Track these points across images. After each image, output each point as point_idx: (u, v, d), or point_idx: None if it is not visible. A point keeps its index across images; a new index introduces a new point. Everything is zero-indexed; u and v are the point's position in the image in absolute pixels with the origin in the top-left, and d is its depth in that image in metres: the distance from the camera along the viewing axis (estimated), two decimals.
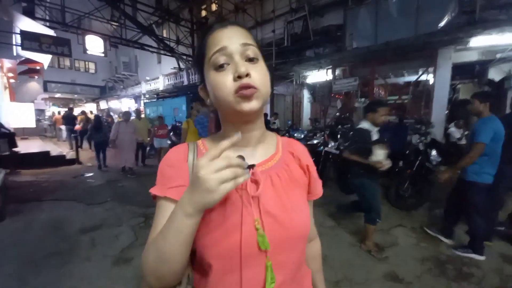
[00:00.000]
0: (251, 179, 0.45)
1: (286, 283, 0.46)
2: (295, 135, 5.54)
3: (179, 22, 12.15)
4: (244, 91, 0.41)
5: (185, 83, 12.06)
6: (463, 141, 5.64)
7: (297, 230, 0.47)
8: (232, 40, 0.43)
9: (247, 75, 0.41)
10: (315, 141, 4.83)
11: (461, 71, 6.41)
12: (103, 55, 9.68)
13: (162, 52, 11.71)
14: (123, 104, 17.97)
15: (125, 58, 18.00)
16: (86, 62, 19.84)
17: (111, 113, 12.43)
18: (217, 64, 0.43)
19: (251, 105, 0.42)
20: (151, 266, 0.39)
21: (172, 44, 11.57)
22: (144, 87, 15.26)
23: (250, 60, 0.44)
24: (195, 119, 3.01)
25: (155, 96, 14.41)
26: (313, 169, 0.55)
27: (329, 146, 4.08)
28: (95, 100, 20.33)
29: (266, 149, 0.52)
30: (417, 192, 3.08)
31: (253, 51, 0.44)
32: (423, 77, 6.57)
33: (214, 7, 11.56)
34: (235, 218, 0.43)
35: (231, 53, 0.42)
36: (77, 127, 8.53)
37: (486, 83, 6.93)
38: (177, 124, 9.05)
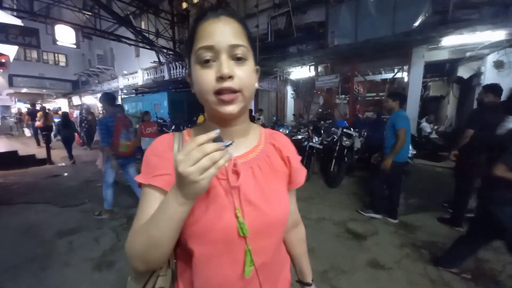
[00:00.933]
0: (233, 170, 0.48)
1: (265, 265, 0.50)
2: (280, 130, 5.60)
3: (159, 13, 11.65)
4: (224, 97, 0.42)
5: (166, 77, 11.65)
6: (433, 135, 6.07)
7: (276, 217, 0.49)
8: (221, 38, 0.42)
9: (230, 77, 0.42)
10: (299, 137, 4.92)
11: (432, 69, 6.83)
12: (75, 46, 9.03)
13: (140, 45, 11.17)
14: (98, 99, 16.96)
15: (100, 51, 16.97)
16: (56, 54, 18.44)
17: (91, 110, 11.34)
18: (202, 59, 0.43)
19: (230, 108, 0.44)
20: (139, 251, 0.41)
21: (151, 37, 11.08)
22: (121, 82, 14.52)
23: (238, 59, 0.43)
24: (98, 120, 2.67)
25: (134, 91, 13.78)
26: (294, 159, 0.57)
27: (314, 141, 4.17)
28: (67, 95, 19.00)
29: (248, 142, 0.54)
30: None
31: (242, 51, 0.44)
32: (399, 75, 6.92)
33: None
34: (217, 206, 0.45)
35: (218, 52, 0.42)
36: (38, 123, 7.94)
37: (455, 81, 7.45)
38: (159, 120, 8.76)
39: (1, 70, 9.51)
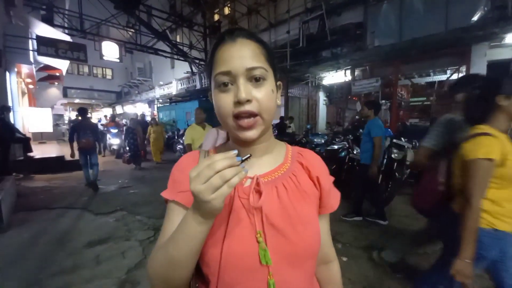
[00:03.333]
0: (255, 189, 0.44)
1: None
2: (315, 140, 5.20)
3: (192, 27, 12.20)
4: (242, 123, 0.42)
5: (198, 87, 12.04)
6: None
7: (304, 245, 0.44)
8: (238, 63, 0.41)
9: (248, 101, 0.41)
10: (335, 146, 4.46)
11: (494, 69, 5.83)
12: (118, 60, 9.82)
13: (175, 57, 11.76)
14: (137, 108, 18.30)
15: (140, 64, 18.42)
16: (103, 69, 20.51)
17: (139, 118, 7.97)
18: (220, 83, 0.43)
19: (250, 134, 0.43)
20: (159, 270, 0.39)
21: (185, 49, 11.61)
22: (157, 92, 15.46)
23: (256, 80, 0.42)
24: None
25: (168, 100, 14.52)
26: (324, 180, 0.51)
27: (355, 152, 3.70)
28: (112, 105, 20.90)
29: (272, 160, 0.50)
30: None
31: (260, 72, 0.42)
32: (454, 76, 6.05)
33: (226, 10, 11.49)
34: (238, 229, 0.42)
35: (235, 76, 0.42)
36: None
37: None
38: None
39: (56, 83, 10.76)
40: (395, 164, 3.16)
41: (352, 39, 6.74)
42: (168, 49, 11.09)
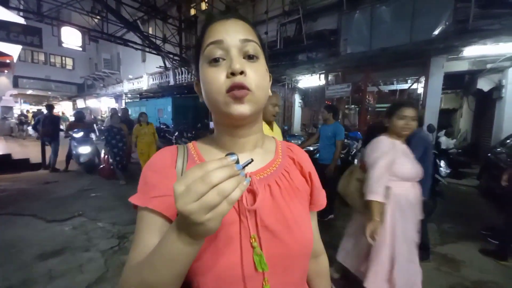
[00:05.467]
0: (248, 189, 0.40)
1: None
2: (292, 141, 5.27)
3: (167, 19, 11.63)
4: (236, 92, 0.37)
5: (171, 83, 11.51)
6: (453, 150, 5.67)
7: (298, 246, 0.42)
8: (231, 34, 0.39)
9: (242, 73, 0.37)
10: (311, 148, 4.57)
11: (448, 81, 6.49)
12: (80, 49, 8.95)
13: (147, 49, 11.10)
14: (102, 103, 16.95)
15: (107, 55, 17.04)
16: (63, 58, 18.58)
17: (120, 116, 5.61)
18: (211, 57, 0.39)
19: (242, 108, 0.39)
20: None
21: (158, 42, 11.00)
22: (126, 86, 14.45)
23: (249, 57, 0.40)
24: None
25: (138, 96, 13.66)
26: (315, 177, 0.51)
27: None
28: (72, 98, 19.04)
29: (264, 155, 0.47)
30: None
31: (253, 48, 0.40)
32: (415, 85, 6.61)
33: (203, 5, 11.16)
34: (229, 234, 0.38)
35: (228, 48, 0.39)
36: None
37: (473, 93, 7.11)
38: (162, 126, 8.47)
39: (6, 71, 9.43)
40: None
41: (327, 44, 6.99)
42: (139, 41, 10.41)
